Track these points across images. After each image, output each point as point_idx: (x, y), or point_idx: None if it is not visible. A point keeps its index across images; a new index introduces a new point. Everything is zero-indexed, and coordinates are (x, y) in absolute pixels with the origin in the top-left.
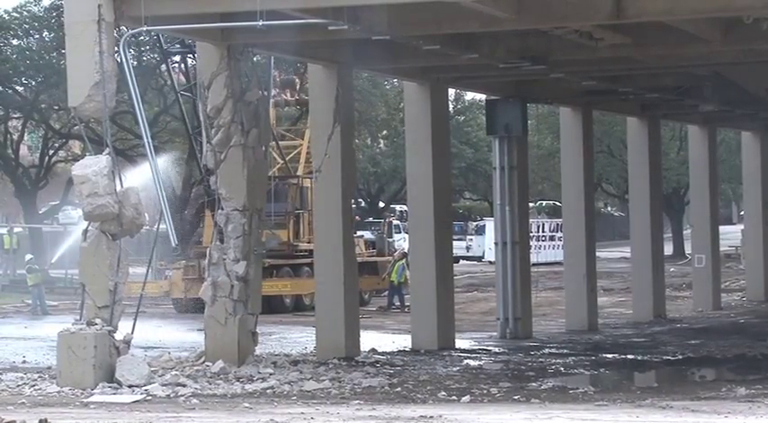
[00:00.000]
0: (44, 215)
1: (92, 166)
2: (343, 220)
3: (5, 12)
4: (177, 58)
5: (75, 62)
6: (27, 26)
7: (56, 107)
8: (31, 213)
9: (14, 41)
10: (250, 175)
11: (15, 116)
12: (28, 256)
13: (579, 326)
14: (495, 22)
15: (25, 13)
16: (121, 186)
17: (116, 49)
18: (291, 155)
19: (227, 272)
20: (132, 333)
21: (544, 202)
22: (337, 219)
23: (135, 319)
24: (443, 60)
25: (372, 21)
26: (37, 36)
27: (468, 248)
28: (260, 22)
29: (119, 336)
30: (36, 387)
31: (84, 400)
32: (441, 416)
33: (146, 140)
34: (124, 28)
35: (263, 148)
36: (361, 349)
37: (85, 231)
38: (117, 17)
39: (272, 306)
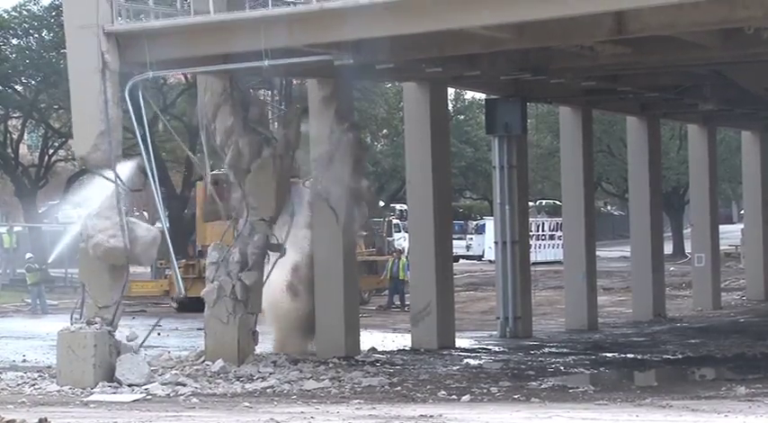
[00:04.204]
0: (44, 214)
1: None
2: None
3: (5, 11)
4: None
5: (81, 111)
6: (26, 26)
7: (55, 106)
8: (31, 212)
9: (14, 41)
10: (278, 186)
11: (15, 115)
12: (27, 255)
13: (579, 325)
14: (497, 43)
15: (24, 12)
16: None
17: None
18: None
19: (227, 271)
20: (142, 345)
21: (544, 202)
22: (332, 219)
23: (149, 334)
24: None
25: (376, 51)
26: (36, 36)
27: (468, 247)
28: (266, 62)
29: (120, 336)
30: (36, 386)
31: (84, 399)
32: (441, 415)
33: (154, 188)
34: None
35: (292, 155)
36: (361, 348)
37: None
38: (121, 64)
39: None
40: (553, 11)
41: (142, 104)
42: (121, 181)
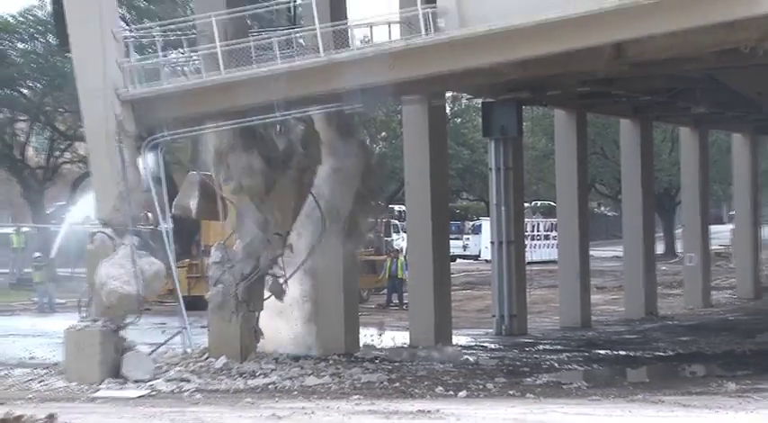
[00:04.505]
0: (51, 215)
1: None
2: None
3: (11, 16)
4: None
5: (99, 173)
6: (32, 30)
7: (60, 109)
8: (39, 213)
9: (20, 45)
10: (297, 203)
11: (22, 118)
12: (35, 255)
13: (573, 323)
14: (500, 75)
15: (30, 17)
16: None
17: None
18: None
19: (231, 272)
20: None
21: (539, 203)
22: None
23: (173, 335)
24: None
25: (383, 93)
26: (42, 40)
27: (464, 247)
28: (278, 115)
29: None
30: (44, 382)
31: (91, 396)
32: (438, 410)
33: (157, 200)
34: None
35: (314, 170)
36: (361, 345)
37: (93, 235)
38: (137, 126)
39: None
40: (555, 47)
41: (161, 163)
42: (140, 237)
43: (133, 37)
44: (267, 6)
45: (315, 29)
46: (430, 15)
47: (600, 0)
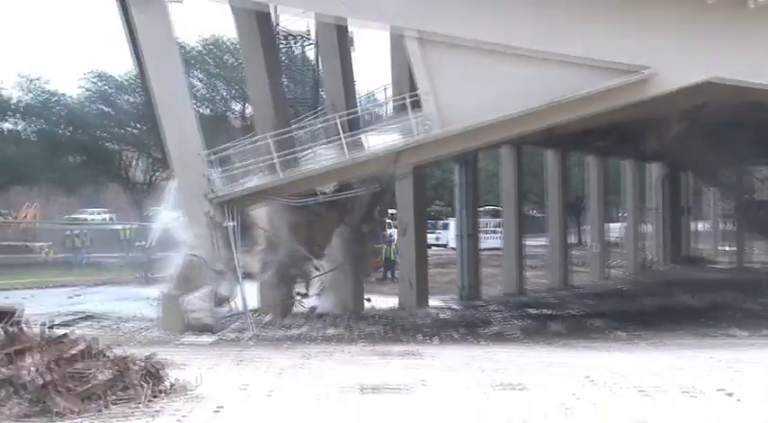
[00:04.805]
0: (150, 216)
1: (200, 302)
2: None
3: (119, 76)
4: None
5: (198, 247)
6: (136, 88)
7: (156, 143)
8: (140, 214)
9: (126, 96)
10: (336, 225)
11: (128, 149)
12: (137, 243)
13: (512, 291)
14: (470, 151)
15: (132, 78)
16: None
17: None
18: None
19: (276, 258)
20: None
21: (489, 207)
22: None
23: (230, 316)
24: None
25: (391, 176)
26: (142, 94)
27: (437, 239)
28: (320, 198)
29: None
30: (144, 332)
31: (177, 342)
32: (419, 351)
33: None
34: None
35: (352, 203)
36: (365, 307)
37: (188, 257)
38: (222, 215)
39: None
40: (510, 133)
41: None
42: (224, 292)
43: (213, 153)
44: (306, 126)
45: (340, 138)
46: (420, 122)
47: (538, 100)
